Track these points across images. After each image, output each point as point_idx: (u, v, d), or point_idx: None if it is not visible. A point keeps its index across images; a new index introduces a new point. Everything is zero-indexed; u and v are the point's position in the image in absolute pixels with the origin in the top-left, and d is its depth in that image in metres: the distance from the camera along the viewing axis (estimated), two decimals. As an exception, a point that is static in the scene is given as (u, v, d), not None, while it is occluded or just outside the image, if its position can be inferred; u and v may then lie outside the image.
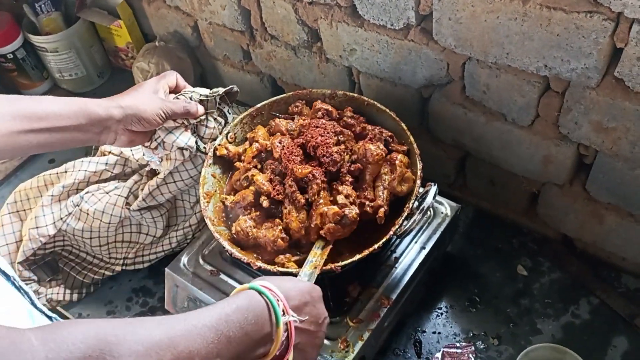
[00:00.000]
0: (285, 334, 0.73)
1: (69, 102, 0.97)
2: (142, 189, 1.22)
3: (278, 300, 0.74)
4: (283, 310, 0.73)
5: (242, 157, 1.12)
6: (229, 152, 1.13)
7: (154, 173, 1.25)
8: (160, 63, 1.58)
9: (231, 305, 0.70)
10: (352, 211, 0.97)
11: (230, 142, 1.15)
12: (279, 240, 0.99)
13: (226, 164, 1.15)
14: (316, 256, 0.96)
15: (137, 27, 1.74)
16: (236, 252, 0.99)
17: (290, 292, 0.77)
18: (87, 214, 1.25)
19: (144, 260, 1.32)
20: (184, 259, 1.16)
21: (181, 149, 1.11)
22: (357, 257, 0.95)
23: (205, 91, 1.12)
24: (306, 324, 0.77)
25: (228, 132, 1.15)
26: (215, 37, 1.54)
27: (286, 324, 0.73)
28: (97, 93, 1.83)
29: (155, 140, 1.09)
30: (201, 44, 1.62)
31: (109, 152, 1.37)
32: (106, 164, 1.33)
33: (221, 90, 1.13)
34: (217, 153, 1.13)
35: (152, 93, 1.04)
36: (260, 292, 0.74)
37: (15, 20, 1.69)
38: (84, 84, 1.82)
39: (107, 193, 1.27)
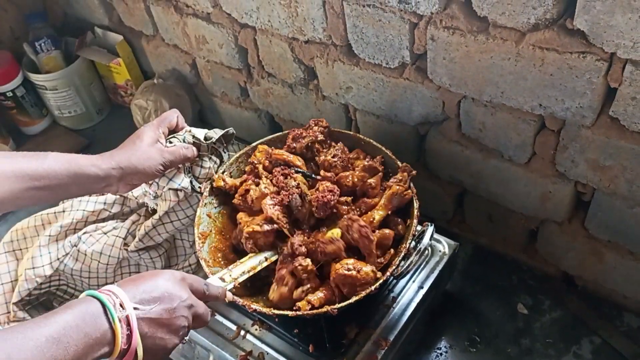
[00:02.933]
0: (127, 327, 0.74)
1: (71, 161, 0.99)
2: (139, 230, 1.22)
3: (110, 296, 0.74)
4: (121, 305, 0.74)
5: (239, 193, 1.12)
6: (225, 184, 1.13)
7: (151, 213, 1.24)
8: (158, 100, 1.59)
9: (67, 311, 0.72)
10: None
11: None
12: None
13: (222, 200, 1.14)
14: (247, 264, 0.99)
15: (136, 64, 1.75)
16: (232, 295, 0.97)
17: (139, 287, 0.79)
18: (85, 254, 1.24)
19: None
20: (179, 299, 1.14)
21: (175, 189, 1.11)
22: (354, 299, 0.93)
23: (201, 132, 1.12)
24: (155, 313, 0.78)
25: (224, 172, 1.15)
26: (213, 74, 1.55)
27: (126, 317, 0.74)
28: (96, 129, 1.84)
29: None
30: (199, 81, 1.63)
31: (119, 194, 1.36)
32: (105, 203, 1.32)
33: (216, 136, 1.13)
34: (214, 184, 1.12)
35: (151, 145, 1.04)
36: (93, 296, 0.75)
37: (15, 59, 1.70)
38: (83, 120, 1.83)
39: (105, 234, 1.26)
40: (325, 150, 1.16)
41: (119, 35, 1.68)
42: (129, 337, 0.74)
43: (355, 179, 1.08)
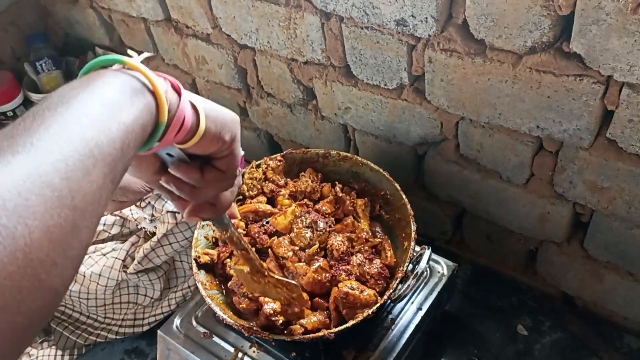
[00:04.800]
0: (167, 84, 0.53)
1: None
2: (138, 252, 1.21)
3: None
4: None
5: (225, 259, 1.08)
6: (212, 258, 1.07)
7: (151, 235, 1.24)
8: (158, 120, 1.59)
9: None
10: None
11: None
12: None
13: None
14: None
15: (136, 84, 1.76)
16: (228, 318, 0.97)
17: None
18: (84, 276, 1.24)
19: (143, 323, 1.31)
20: (177, 321, 1.14)
21: (172, 212, 1.11)
22: (351, 322, 0.93)
23: None
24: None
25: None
26: (212, 94, 1.56)
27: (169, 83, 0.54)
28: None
29: (144, 200, 1.09)
30: (199, 101, 1.64)
31: (107, 212, 1.36)
32: (104, 224, 1.32)
33: None
34: (201, 261, 1.06)
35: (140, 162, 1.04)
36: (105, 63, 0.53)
37: (16, 79, 1.71)
38: (83, 139, 1.83)
39: (105, 255, 1.26)
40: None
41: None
42: (172, 92, 0.53)
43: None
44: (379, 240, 1.08)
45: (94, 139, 0.43)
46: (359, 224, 1.10)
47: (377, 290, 0.99)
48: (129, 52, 0.58)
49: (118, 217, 1.32)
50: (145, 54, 0.57)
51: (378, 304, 0.94)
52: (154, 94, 0.50)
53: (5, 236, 0.34)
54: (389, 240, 1.10)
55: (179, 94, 0.54)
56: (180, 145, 0.56)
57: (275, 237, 1.07)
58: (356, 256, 1.03)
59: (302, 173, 1.18)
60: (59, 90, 0.46)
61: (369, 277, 1.00)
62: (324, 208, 1.11)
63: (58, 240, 0.37)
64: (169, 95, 0.52)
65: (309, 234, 1.04)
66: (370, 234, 1.09)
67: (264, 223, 1.09)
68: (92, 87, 0.47)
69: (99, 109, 0.45)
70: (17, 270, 0.34)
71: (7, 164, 0.37)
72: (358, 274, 1.01)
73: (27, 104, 1.73)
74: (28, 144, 0.39)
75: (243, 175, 1.14)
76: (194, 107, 0.55)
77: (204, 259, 1.06)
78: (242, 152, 0.64)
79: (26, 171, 0.38)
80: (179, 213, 1.12)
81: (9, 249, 0.34)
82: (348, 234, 1.07)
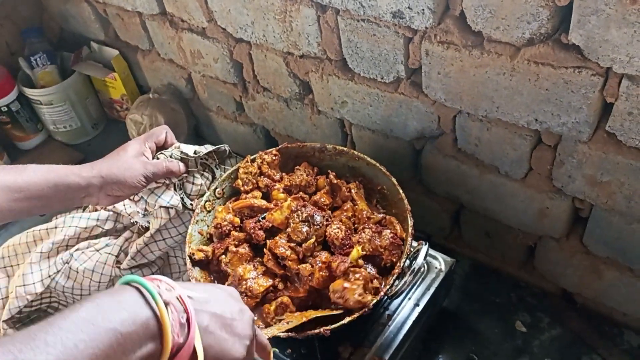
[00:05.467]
0: (182, 315, 0.59)
1: (50, 171, 0.97)
2: (132, 247, 1.20)
3: (153, 281, 0.59)
4: (167, 289, 0.59)
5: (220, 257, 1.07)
6: (206, 255, 1.06)
7: (144, 230, 1.23)
8: (153, 115, 1.58)
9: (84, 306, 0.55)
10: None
11: (217, 198, 1.13)
12: None
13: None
14: None
15: (132, 79, 1.75)
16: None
17: (188, 285, 0.65)
18: (77, 272, 1.22)
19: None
20: (171, 317, 1.13)
21: (165, 207, 1.09)
22: (347, 319, 0.91)
23: (190, 148, 1.11)
24: (215, 306, 0.64)
25: (216, 188, 1.13)
26: (208, 89, 1.54)
27: (177, 298, 0.59)
28: (92, 144, 1.83)
29: (138, 194, 1.08)
30: (195, 96, 1.63)
31: (101, 207, 1.35)
32: (97, 219, 1.30)
33: (204, 151, 1.12)
34: (196, 258, 1.05)
35: (135, 157, 1.03)
36: (127, 282, 0.60)
37: (11, 74, 1.70)
38: (78, 135, 1.82)
39: (98, 251, 1.24)
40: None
41: (114, 50, 1.68)
42: (183, 328, 0.58)
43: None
44: (382, 215, 1.07)
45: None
46: (357, 207, 1.09)
47: (393, 260, 0.98)
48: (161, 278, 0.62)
49: (112, 212, 1.31)
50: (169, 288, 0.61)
51: (374, 301, 0.92)
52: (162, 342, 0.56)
53: None
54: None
55: (189, 332, 0.58)
56: None
57: (272, 238, 1.04)
58: (364, 232, 1.01)
59: (297, 167, 1.16)
60: (90, 309, 0.54)
61: (382, 249, 0.98)
62: (322, 200, 1.09)
63: None
64: (176, 345, 0.57)
65: (305, 228, 1.03)
66: (370, 211, 1.08)
67: (260, 219, 1.07)
68: (109, 321, 0.53)
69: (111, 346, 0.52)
70: None
71: None
72: (371, 249, 0.98)
73: (22, 98, 1.72)
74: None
75: None
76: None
77: (199, 255, 1.05)
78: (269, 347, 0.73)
79: None
80: (172, 208, 1.11)
81: None
82: (347, 217, 1.06)
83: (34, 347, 0.48)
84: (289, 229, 1.03)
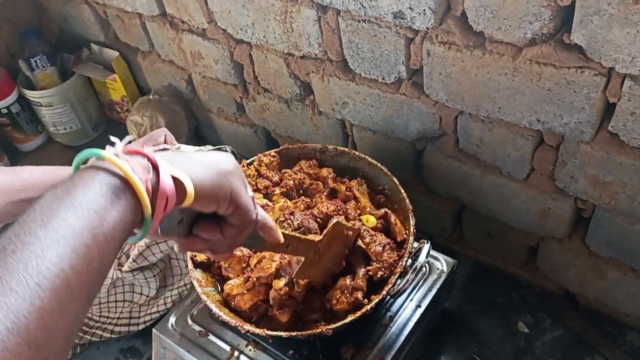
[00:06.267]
0: (140, 160, 0.54)
1: (47, 173, 0.96)
2: (133, 250, 1.20)
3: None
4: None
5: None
6: (208, 258, 1.06)
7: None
8: (154, 116, 1.58)
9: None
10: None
11: None
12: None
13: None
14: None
15: (132, 80, 1.74)
16: (224, 315, 0.95)
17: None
18: (77, 273, 1.22)
19: (138, 322, 1.29)
20: (172, 319, 1.12)
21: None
22: (350, 319, 0.91)
23: (190, 149, 1.10)
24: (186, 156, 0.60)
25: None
26: (209, 90, 1.54)
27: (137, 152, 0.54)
28: (92, 146, 1.80)
29: None
30: (195, 97, 1.62)
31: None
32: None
33: (204, 150, 1.11)
34: (197, 260, 1.05)
35: None
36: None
37: (11, 76, 1.69)
38: (78, 137, 1.81)
39: (99, 252, 1.24)
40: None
41: (114, 52, 1.67)
42: (147, 169, 0.54)
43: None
44: (383, 211, 1.06)
45: (71, 266, 0.45)
46: (360, 204, 1.09)
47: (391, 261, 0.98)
48: (111, 138, 0.58)
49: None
50: (127, 138, 0.57)
51: (377, 300, 0.92)
52: (134, 190, 0.52)
53: None
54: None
55: (157, 169, 0.54)
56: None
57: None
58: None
59: (285, 170, 1.16)
60: (42, 202, 0.49)
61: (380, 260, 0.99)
62: (325, 209, 1.06)
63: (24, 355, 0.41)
64: (148, 179, 0.53)
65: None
66: (372, 207, 1.08)
67: None
68: (72, 198, 0.49)
69: (77, 226, 0.47)
70: None
71: None
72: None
73: (22, 100, 1.71)
74: (15, 263, 0.43)
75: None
76: (176, 180, 0.55)
77: (200, 257, 1.05)
78: (250, 194, 0.65)
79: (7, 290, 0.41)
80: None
81: None
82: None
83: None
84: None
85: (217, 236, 0.63)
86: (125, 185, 0.52)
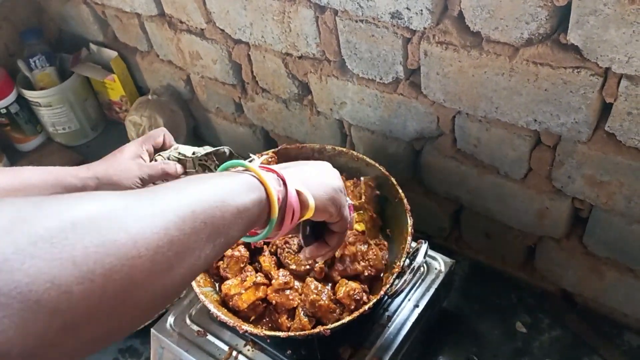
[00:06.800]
0: (272, 175, 0.66)
1: (47, 172, 0.97)
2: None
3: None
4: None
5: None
6: None
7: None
8: (152, 116, 1.58)
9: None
10: None
11: None
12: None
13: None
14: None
15: (131, 80, 1.74)
16: (222, 315, 0.96)
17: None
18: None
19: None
20: (170, 319, 1.12)
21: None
22: (347, 319, 0.92)
23: (189, 150, 1.11)
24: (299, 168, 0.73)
25: None
26: (207, 90, 1.54)
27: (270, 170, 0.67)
28: (91, 146, 1.83)
29: None
30: (194, 97, 1.63)
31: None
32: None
33: (202, 151, 1.11)
34: None
35: (132, 159, 1.03)
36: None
37: (10, 75, 1.70)
38: (77, 137, 1.82)
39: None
40: None
41: (113, 52, 1.68)
42: (279, 181, 0.66)
43: None
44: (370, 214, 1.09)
45: (205, 212, 0.52)
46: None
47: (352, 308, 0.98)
48: (251, 155, 0.80)
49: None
50: (264, 156, 0.76)
51: (374, 300, 0.92)
52: (267, 194, 0.62)
53: (121, 251, 0.42)
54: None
55: (285, 184, 0.65)
56: None
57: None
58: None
59: None
60: (186, 177, 0.60)
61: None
62: None
63: (157, 272, 0.45)
64: (280, 193, 0.64)
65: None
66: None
67: None
68: (214, 178, 0.60)
69: (217, 191, 0.56)
70: (123, 277, 0.42)
71: (138, 204, 0.48)
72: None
73: (21, 100, 1.72)
74: (155, 198, 0.50)
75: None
76: (299, 193, 0.67)
77: None
78: (349, 201, 0.79)
79: (151, 212, 0.47)
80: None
81: (121, 260, 0.42)
82: None
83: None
84: (292, 267, 1.02)
85: (327, 251, 0.80)
86: (261, 186, 0.62)
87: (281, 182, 0.65)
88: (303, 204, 0.67)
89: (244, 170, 0.64)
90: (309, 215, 0.68)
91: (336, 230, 0.77)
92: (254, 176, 0.62)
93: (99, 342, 0.43)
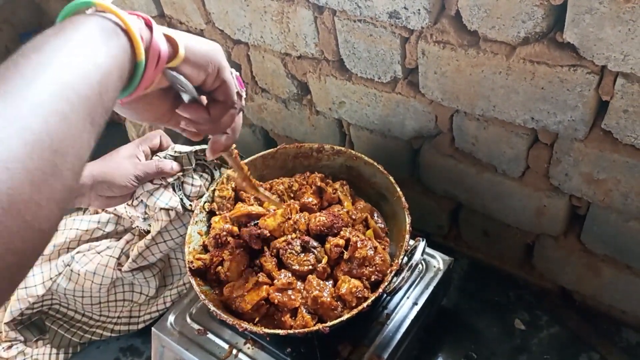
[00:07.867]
0: (137, 19, 0.55)
1: None
2: (133, 250, 1.20)
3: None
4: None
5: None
6: (204, 263, 1.05)
7: (145, 232, 1.23)
8: (152, 117, 1.58)
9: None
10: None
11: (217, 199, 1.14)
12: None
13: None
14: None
15: (131, 81, 1.75)
16: (222, 314, 0.96)
17: None
18: (78, 274, 1.23)
19: (138, 321, 1.30)
20: (171, 318, 1.13)
21: (165, 209, 1.10)
22: (346, 316, 0.92)
23: (186, 148, 1.11)
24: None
25: (214, 189, 1.13)
26: (207, 90, 1.55)
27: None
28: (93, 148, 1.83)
29: (137, 199, 1.08)
30: (194, 98, 1.63)
31: (102, 210, 1.35)
32: (98, 222, 1.31)
33: (198, 147, 1.12)
34: (194, 266, 1.03)
35: (127, 158, 1.03)
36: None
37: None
38: (78, 137, 1.82)
39: (99, 253, 1.25)
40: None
41: (113, 53, 1.68)
42: (146, 27, 0.56)
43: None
44: (361, 214, 1.08)
45: (69, 83, 0.44)
46: (344, 209, 1.09)
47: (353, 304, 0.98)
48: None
49: (112, 215, 1.31)
50: None
51: (373, 297, 0.93)
52: (127, 34, 0.52)
53: None
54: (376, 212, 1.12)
55: (151, 28, 0.56)
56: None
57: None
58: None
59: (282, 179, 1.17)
60: (32, 39, 0.46)
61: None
62: (309, 200, 1.10)
63: (40, 183, 0.38)
64: (143, 32, 0.54)
65: (311, 256, 1.02)
66: (352, 212, 1.09)
67: (253, 223, 1.07)
68: (63, 32, 0.47)
69: (72, 52, 0.46)
70: (2, 213, 0.35)
71: None
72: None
73: (22, 102, 1.72)
74: (3, 92, 0.40)
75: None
76: (169, 39, 0.58)
77: (197, 264, 1.05)
78: (235, 73, 0.68)
79: (4, 117, 0.38)
80: (171, 210, 1.11)
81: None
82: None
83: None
84: (295, 267, 1.02)
85: (204, 115, 0.66)
86: (120, 29, 0.51)
87: (142, 21, 0.56)
88: (173, 48, 0.58)
89: (97, 12, 0.52)
90: (177, 61, 0.59)
91: (220, 99, 0.66)
92: (109, 18, 0.51)
93: (13, 271, 0.37)
